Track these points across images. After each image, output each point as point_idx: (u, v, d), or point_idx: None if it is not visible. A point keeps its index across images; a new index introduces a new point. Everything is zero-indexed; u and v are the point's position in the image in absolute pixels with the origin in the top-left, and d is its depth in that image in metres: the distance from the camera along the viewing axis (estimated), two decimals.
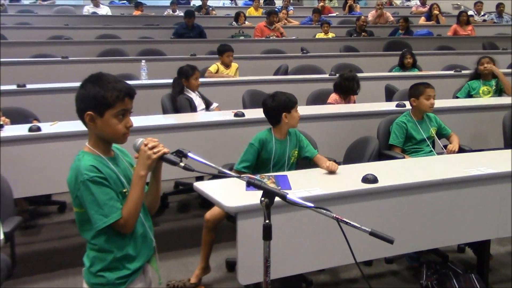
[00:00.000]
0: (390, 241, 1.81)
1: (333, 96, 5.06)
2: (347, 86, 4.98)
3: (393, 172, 3.35)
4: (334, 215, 1.84)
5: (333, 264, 3.16)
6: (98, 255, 1.98)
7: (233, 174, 1.97)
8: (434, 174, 3.24)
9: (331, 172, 3.24)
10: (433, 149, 4.14)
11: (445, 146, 4.30)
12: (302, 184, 3.01)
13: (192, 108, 4.88)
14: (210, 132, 4.35)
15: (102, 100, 1.91)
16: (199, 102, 5.06)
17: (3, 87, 5.23)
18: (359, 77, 5.13)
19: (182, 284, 3.52)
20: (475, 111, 5.08)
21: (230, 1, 13.71)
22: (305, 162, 3.59)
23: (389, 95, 6.02)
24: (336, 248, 2.71)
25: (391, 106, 5.06)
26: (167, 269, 3.84)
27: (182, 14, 10.05)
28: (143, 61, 5.80)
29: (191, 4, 12.84)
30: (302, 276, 3.38)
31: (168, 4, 11.51)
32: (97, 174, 1.89)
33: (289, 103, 3.46)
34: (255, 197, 2.73)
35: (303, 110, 4.91)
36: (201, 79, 5.90)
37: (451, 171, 3.28)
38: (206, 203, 4.70)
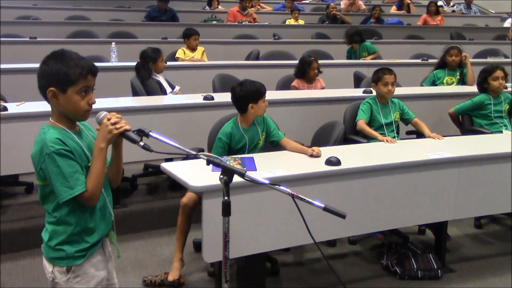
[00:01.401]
0: (342, 216, 1.90)
1: (295, 81, 5.22)
2: (300, 69, 5.16)
3: (356, 155, 3.46)
4: (290, 191, 1.91)
5: (296, 243, 3.26)
6: (56, 229, 2.00)
7: (192, 152, 1.98)
8: (395, 157, 3.36)
9: (316, 156, 3.26)
10: (397, 135, 4.23)
11: (411, 132, 4.42)
12: (267, 166, 3.07)
13: (163, 91, 4.89)
14: (179, 115, 4.38)
15: (65, 77, 1.92)
16: (166, 85, 5.07)
17: None
18: (327, 63, 5.22)
19: (159, 280, 3.40)
20: (437, 99, 5.23)
21: None
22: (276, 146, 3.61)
23: (358, 81, 6.12)
24: (299, 227, 2.77)
25: (358, 92, 5.17)
26: (135, 249, 3.88)
27: None
28: (113, 43, 5.76)
29: None
30: (266, 256, 3.46)
31: None
32: (63, 146, 1.91)
33: (257, 94, 3.43)
34: None
35: (272, 95, 4.98)
36: (171, 63, 5.95)
37: (411, 155, 3.40)
38: (175, 185, 4.78)
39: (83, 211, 2.00)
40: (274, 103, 4.68)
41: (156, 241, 4.03)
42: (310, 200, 1.91)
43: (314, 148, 3.31)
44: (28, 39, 6.41)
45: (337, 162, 3.11)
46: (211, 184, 2.71)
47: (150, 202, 4.71)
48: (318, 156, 3.26)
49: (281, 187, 1.94)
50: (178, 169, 3.04)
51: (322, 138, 4.05)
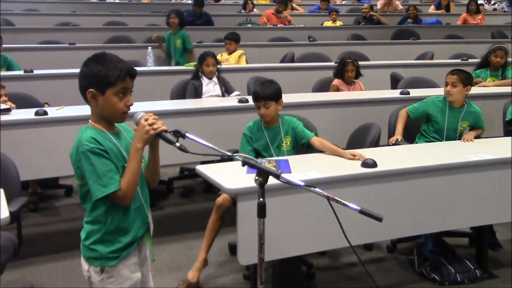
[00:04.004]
0: (379, 219, 1.87)
1: (335, 80, 5.16)
2: (339, 70, 5.12)
3: (393, 157, 3.39)
4: (325, 193, 1.89)
5: (332, 247, 3.21)
6: (92, 228, 2.04)
7: (227, 153, 2.00)
8: (434, 159, 3.28)
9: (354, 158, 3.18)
10: None
11: None
12: (302, 168, 3.04)
13: (197, 94, 4.90)
14: (214, 118, 4.39)
15: (104, 78, 1.97)
16: (210, 89, 5.01)
17: (11, 73, 5.30)
18: (364, 65, 5.14)
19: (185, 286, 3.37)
20: (479, 99, 5.05)
21: None
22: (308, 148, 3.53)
23: (395, 83, 6.02)
24: (335, 230, 2.72)
25: (394, 93, 5.07)
26: (171, 252, 3.91)
27: (190, 1, 10.07)
28: (149, 48, 5.84)
29: None
30: (302, 259, 3.44)
31: None
32: (97, 146, 1.95)
33: (253, 97, 3.48)
34: None
35: (307, 97, 4.96)
36: None
37: (450, 157, 3.31)
38: (210, 188, 4.80)
39: (117, 210, 2.03)
40: (309, 105, 4.67)
41: (192, 243, 4.04)
42: (345, 202, 1.88)
43: (355, 152, 3.21)
44: (67, 45, 6.55)
45: (373, 164, 3.05)
46: (246, 186, 2.70)
47: (186, 205, 4.75)
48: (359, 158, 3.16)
49: (317, 189, 1.92)
50: (213, 171, 3.03)
51: (357, 140, 3.99)
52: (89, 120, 2.07)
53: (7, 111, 3.83)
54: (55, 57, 6.35)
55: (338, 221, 1.96)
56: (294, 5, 11.02)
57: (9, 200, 2.82)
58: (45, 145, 3.77)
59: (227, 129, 4.31)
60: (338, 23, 9.53)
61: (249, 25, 8.98)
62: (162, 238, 4.05)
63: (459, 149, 3.54)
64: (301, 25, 9.36)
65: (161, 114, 3.97)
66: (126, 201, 2.00)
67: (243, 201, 2.75)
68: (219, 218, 3.40)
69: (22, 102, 4.43)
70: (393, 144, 3.83)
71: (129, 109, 2.05)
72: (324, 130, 4.39)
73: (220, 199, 3.39)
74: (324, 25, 9.50)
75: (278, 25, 9.12)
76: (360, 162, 3.08)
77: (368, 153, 3.28)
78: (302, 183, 1.95)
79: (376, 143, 3.81)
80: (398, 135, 3.92)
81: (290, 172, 2.98)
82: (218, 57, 6.36)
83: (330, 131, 4.53)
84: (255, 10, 10.48)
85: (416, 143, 4.02)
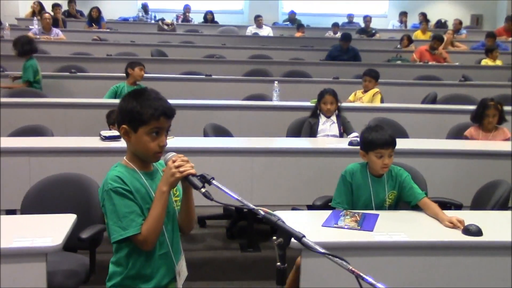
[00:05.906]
0: None
1: (469, 130, 4.54)
2: (476, 113, 4.50)
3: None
4: (350, 268, 1.55)
5: None
6: (115, 270, 1.97)
7: (251, 206, 1.76)
8: None
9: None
10: None
11: None
12: (390, 227, 2.68)
13: (312, 132, 4.66)
14: (320, 160, 4.11)
15: (137, 116, 1.90)
16: (326, 128, 4.73)
17: None
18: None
19: None
20: None
21: (399, 24, 13.19)
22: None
23: None
24: None
25: None
26: None
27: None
28: (276, 82, 5.73)
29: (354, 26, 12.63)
30: None
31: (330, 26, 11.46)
32: (121, 185, 1.87)
33: (369, 144, 3.00)
34: (327, 235, 2.48)
35: (430, 144, 4.42)
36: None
37: None
38: None
39: (139, 254, 1.93)
40: (432, 153, 4.15)
41: None
42: (373, 281, 1.51)
43: (452, 218, 2.70)
44: (203, 76, 6.77)
45: (477, 232, 2.54)
46: (312, 241, 2.40)
47: (287, 249, 4.46)
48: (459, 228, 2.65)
49: (340, 260, 1.58)
50: (287, 220, 2.76)
51: (482, 199, 3.42)
52: (124, 157, 2.00)
53: (117, 138, 3.96)
54: (193, 88, 6.56)
55: None
56: (457, 43, 10.19)
57: (86, 226, 2.87)
58: None
59: (334, 173, 3.98)
60: (498, 62, 8.54)
61: (398, 62, 8.49)
62: (253, 282, 3.85)
63: None
64: (456, 63, 8.59)
65: (259, 153, 3.91)
66: (147, 246, 1.89)
67: (308, 258, 2.50)
68: (297, 280, 3.06)
69: None
70: None
71: (162, 150, 1.95)
72: (447, 183, 3.95)
73: (299, 259, 3.07)
74: (482, 63, 8.58)
75: (430, 63, 8.47)
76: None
77: (486, 216, 2.85)
78: (323, 250, 1.63)
79: (503, 205, 3.24)
80: None
81: (372, 230, 2.65)
82: (352, 95, 6.08)
83: (453, 185, 4.02)
84: (411, 46, 9.90)
85: None
